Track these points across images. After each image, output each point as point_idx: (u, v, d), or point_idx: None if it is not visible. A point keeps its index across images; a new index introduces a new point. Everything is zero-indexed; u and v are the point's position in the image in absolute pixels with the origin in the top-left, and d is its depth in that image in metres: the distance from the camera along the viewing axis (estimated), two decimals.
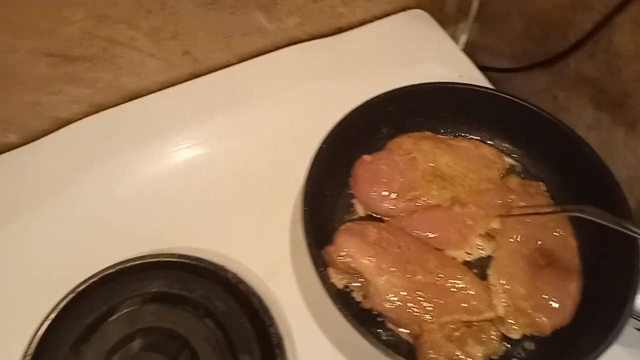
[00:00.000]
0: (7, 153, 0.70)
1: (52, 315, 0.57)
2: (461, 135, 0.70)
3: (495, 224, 0.64)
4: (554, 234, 0.62)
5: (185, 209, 0.67)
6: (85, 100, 0.71)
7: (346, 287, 0.59)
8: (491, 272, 0.60)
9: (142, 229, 0.65)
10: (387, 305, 0.56)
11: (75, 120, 0.72)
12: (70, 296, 0.58)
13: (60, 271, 0.61)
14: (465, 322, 0.56)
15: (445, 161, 0.66)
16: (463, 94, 0.67)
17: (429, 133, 0.70)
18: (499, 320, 0.57)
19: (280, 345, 0.56)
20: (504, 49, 0.89)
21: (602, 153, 0.61)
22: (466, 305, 0.57)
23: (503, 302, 0.58)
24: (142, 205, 0.67)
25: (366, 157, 0.66)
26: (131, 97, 0.74)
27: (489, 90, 0.68)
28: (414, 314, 0.55)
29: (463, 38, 0.95)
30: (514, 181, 0.67)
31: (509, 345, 0.56)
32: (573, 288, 0.59)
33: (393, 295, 0.56)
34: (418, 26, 0.85)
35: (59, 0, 0.58)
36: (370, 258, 0.58)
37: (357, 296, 0.59)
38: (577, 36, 0.71)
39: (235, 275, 0.59)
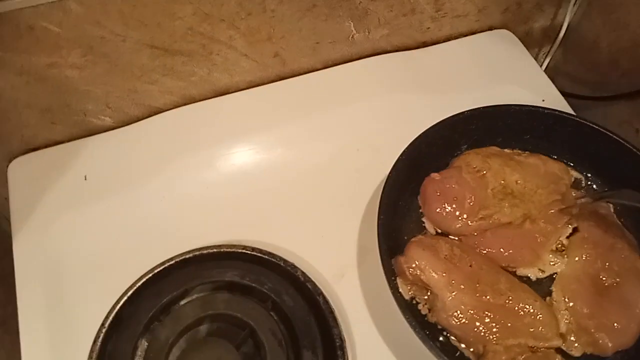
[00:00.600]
0: (101, 134, 0.74)
1: (130, 292, 0.60)
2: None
3: (564, 239, 0.64)
4: (622, 255, 0.62)
5: (261, 206, 0.69)
6: (178, 91, 0.74)
7: (412, 298, 0.60)
8: (555, 289, 0.60)
9: (219, 220, 0.68)
10: (453, 321, 0.56)
11: (167, 110, 0.75)
12: (148, 276, 0.61)
13: (141, 251, 0.64)
14: (531, 347, 0.56)
15: (515, 179, 0.66)
16: (548, 119, 0.67)
17: (495, 148, 0.69)
18: (560, 336, 0.57)
19: (342, 347, 0.57)
20: (586, 76, 0.87)
21: None
22: (533, 331, 0.56)
23: (565, 319, 0.58)
24: (222, 197, 0.70)
25: (435, 176, 0.66)
26: (220, 93, 0.77)
27: (575, 118, 0.68)
28: (480, 333, 0.55)
29: (546, 61, 0.94)
30: (582, 200, 0.66)
31: None
32: (639, 311, 0.58)
33: (460, 312, 0.56)
34: (503, 46, 0.85)
35: None
36: (440, 273, 0.58)
37: (423, 309, 0.59)
38: None
39: (304, 274, 0.61)
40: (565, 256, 0.63)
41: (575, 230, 0.64)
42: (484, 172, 0.66)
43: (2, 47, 0.60)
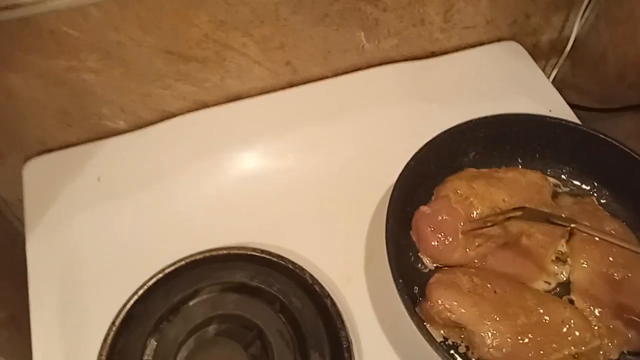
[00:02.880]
0: (115, 137, 0.75)
1: (141, 292, 0.61)
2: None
3: (562, 247, 0.64)
4: None
5: (270, 210, 0.70)
6: (191, 97, 0.76)
7: (445, 339, 0.58)
8: (575, 298, 0.61)
9: (229, 223, 0.69)
10: (497, 353, 0.55)
11: (179, 115, 0.77)
12: (159, 276, 0.62)
13: (151, 253, 0.65)
14: (574, 355, 0.56)
15: (501, 198, 0.65)
16: (555, 128, 0.68)
17: (473, 170, 0.69)
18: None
19: (349, 349, 0.57)
20: (593, 89, 0.88)
21: None
22: (572, 338, 0.56)
23: (595, 325, 0.58)
24: (230, 201, 0.71)
25: (424, 209, 0.65)
26: (232, 99, 0.78)
27: (581, 127, 0.68)
28: (527, 357, 0.55)
29: (553, 73, 0.95)
30: (567, 200, 0.68)
31: None
32: None
33: (501, 343, 0.55)
34: (511, 58, 0.86)
35: (188, 3, 0.63)
36: (469, 308, 0.56)
37: (461, 348, 0.58)
38: None
39: (312, 276, 0.62)
40: (568, 264, 0.63)
41: (571, 234, 0.65)
42: (472, 198, 0.65)
43: (24, 50, 0.61)
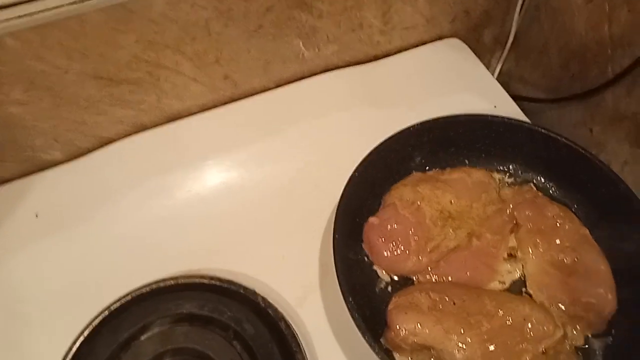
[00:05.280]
0: (51, 169, 0.72)
1: (87, 332, 0.58)
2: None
3: (512, 243, 0.65)
4: (566, 229, 0.63)
5: (219, 231, 0.68)
6: (128, 120, 0.73)
7: None
8: (532, 291, 0.61)
9: (177, 249, 0.66)
10: None
11: (118, 140, 0.74)
12: (105, 314, 0.59)
13: (96, 288, 0.62)
14: (543, 350, 0.55)
15: (448, 200, 0.65)
16: (498, 127, 0.67)
17: (418, 174, 0.69)
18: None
19: None
20: (539, 80, 0.89)
21: (636, 190, 0.61)
22: (537, 334, 0.56)
23: (556, 315, 0.59)
24: (177, 225, 0.69)
25: (373, 220, 0.64)
26: (172, 118, 0.76)
27: (523, 124, 0.68)
28: None
29: (498, 67, 0.95)
30: (507, 193, 0.68)
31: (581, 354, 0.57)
32: (606, 275, 0.60)
33: (471, 355, 0.54)
34: (454, 55, 0.86)
35: (113, 26, 0.61)
36: (434, 327, 0.55)
37: None
38: (616, 71, 0.70)
39: (264, 299, 0.60)
40: (519, 260, 0.63)
41: (516, 226, 0.65)
42: (419, 202, 0.65)
43: None
